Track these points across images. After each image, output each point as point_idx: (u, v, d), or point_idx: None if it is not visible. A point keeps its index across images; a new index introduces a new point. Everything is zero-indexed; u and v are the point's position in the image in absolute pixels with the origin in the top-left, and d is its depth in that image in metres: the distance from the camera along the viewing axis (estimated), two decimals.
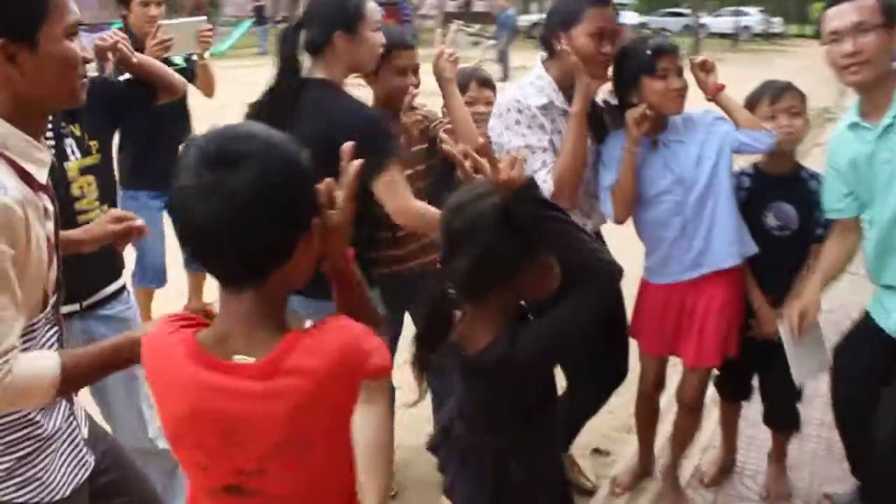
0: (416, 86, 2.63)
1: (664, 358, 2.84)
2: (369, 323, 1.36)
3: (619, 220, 2.66)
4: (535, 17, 32.34)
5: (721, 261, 2.57)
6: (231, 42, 23.07)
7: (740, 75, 18.47)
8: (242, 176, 1.12)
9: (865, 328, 2.47)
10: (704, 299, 2.60)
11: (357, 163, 1.33)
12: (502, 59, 17.41)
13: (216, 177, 1.12)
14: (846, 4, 2.26)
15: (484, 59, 18.90)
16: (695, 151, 2.58)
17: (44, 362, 1.42)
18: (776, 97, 2.66)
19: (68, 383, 1.43)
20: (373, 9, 2.26)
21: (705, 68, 2.58)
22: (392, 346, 2.57)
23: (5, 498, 1.54)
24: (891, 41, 2.23)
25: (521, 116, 2.55)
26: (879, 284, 2.41)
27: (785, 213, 2.63)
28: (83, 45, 1.54)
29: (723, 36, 34.75)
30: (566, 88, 2.57)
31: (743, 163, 2.78)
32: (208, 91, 3.95)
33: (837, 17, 2.27)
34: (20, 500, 1.55)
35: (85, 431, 1.73)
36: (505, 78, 17.64)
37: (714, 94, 2.58)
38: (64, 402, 1.64)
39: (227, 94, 4.61)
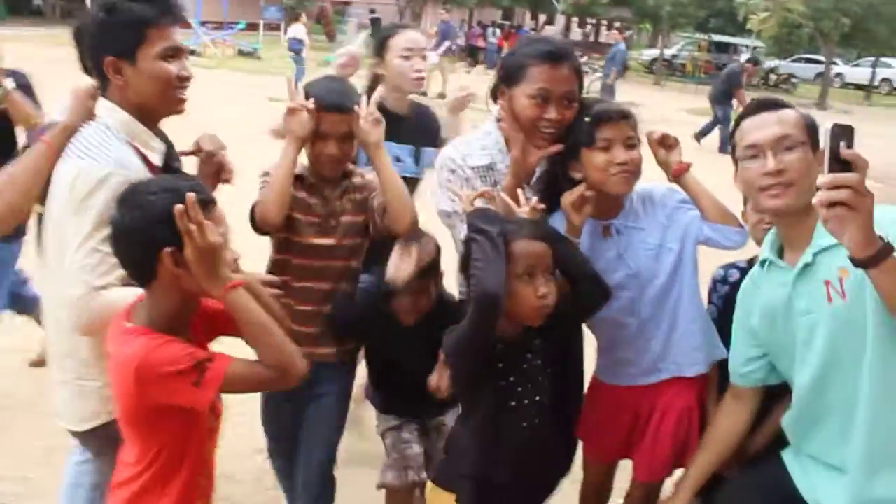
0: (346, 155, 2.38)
1: (612, 465, 2.54)
2: (267, 343, 1.66)
3: None
4: (654, 51, 31.73)
5: (683, 367, 2.26)
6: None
7: (869, 130, 17.54)
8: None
9: (776, 484, 2.02)
10: (662, 405, 2.29)
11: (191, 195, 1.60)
12: (608, 92, 17.07)
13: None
14: (768, 115, 1.94)
15: (588, 90, 18.64)
16: (654, 241, 2.24)
17: (127, 292, 1.78)
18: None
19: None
20: None
21: (665, 144, 2.22)
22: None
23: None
24: (815, 163, 1.87)
25: (454, 177, 2.32)
26: (801, 452, 2.03)
27: None
28: (184, 66, 1.96)
29: (858, 87, 33.03)
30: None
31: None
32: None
33: (757, 129, 1.92)
34: None
35: None
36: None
37: (676, 175, 2.22)
38: None
39: None
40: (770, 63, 34.29)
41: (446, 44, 19.18)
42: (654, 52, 33.32)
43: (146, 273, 1.63)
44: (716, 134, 14.89)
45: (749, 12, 25.19)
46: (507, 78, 2.24)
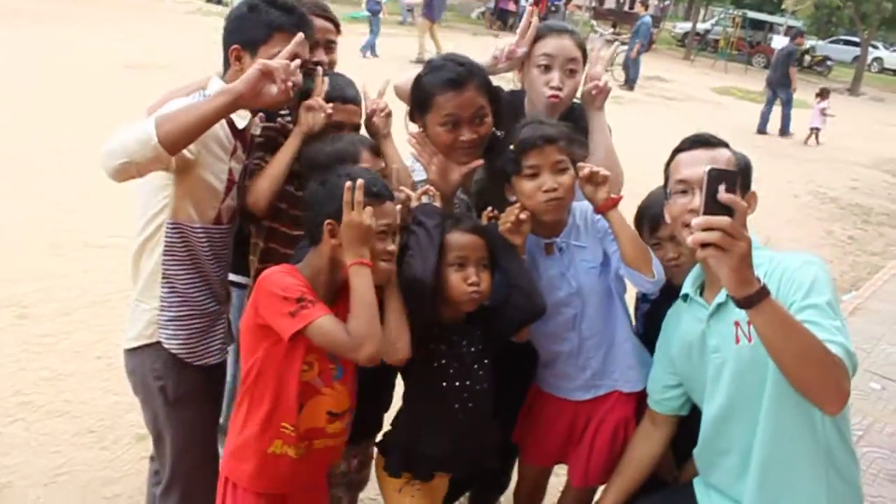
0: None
1: (548, 468, 2.60)
2: (361, 330, 1.85)
3: None
4: (688, 25, 31.00)
5: (620, 384, 2.31)
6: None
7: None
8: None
9: None
10: (599, 416, 2.33)
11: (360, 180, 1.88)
12: (629, 66, 16.83)
13: None
14: (702, 152, 1.95)
15: (613, 62, 18.37)
16: (595, 259, 2.25)
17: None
18: (655, 223, 2.31)
19: (164, 121, 1.91)
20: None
21: (593, 181, 2.13)
22: None
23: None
24: (746, 207, 1.84)
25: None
26: (708, 482, 2.08)
27: None
28: (298, 73, 2.08)
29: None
30: None
31: None
32: None
33: (689, 166, 1.94)
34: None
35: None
36: (629, 87, 17.13)
37: (603, 210, 2.14)
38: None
39: None
40: (807, 43, 33.52)
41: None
42: (688, 26, 32.62)
43: (314, 235, 1.96)
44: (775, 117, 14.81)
45: None
46: (418, 106, 2.27)
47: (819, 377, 1.57)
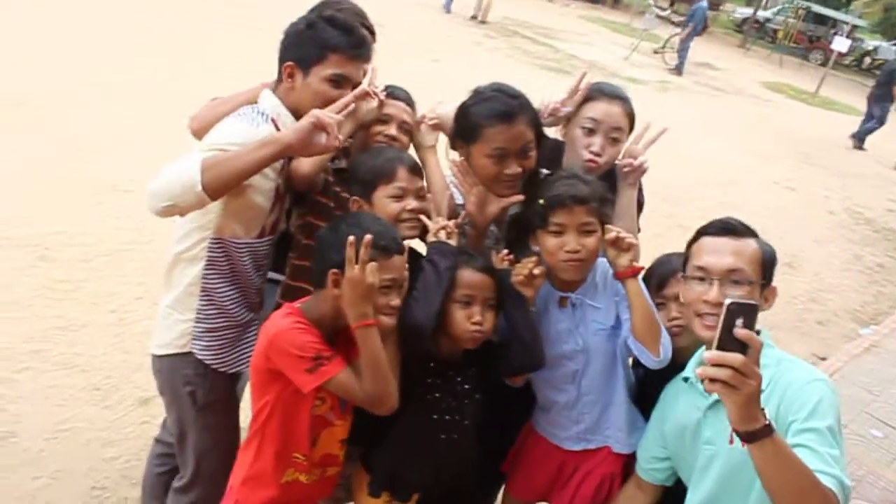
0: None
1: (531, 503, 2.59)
2: (370, 387, 1.91)
3: None
4: (748, 11, 30.04)
5: (610, 441, 2.30)
6: None
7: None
8: None
9: None
10: (586, 467, 2.33)
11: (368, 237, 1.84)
12: (681, 49, 16.44)
13: None
14: (728, 241, 1.91)
15: (666, 46, 18.05)
16: (607, 322, 2.21)
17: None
18: (662, 283, 2.29)
19: (210, 167, 1.90)
20: None
21: (618, 246, 2.09)
22: None
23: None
24: (760, 301, 1.89)
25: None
26: None
27: None
28: (344, 94, 2.15)
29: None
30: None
31: None
32: None
33: (712, 254, 1.91)
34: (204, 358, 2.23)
35: None
36: (678, 72, 16.78)
37: (619, 278, 2.11)
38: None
39: None
40: (869, 44, 32.46)
41: None
42: (748, 11, 31.67)
43: (319, 280, 1.96)
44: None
45: None
46: (463, 135, 2.23)
47: None
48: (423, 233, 2.25)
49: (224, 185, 1.93)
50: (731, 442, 1.81)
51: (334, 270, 1.88)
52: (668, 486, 2.17)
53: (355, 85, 2.20)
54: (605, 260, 2.21)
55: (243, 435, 2.21)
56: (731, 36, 30.41)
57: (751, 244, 1.92)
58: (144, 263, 4.49)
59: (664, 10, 24.01)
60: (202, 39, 9.50)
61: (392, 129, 2.38)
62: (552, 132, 2.51)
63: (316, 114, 1.96)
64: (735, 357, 1.40)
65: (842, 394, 5.30)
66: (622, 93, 2.48)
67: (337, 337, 2.01)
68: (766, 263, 1.91)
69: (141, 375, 3.54)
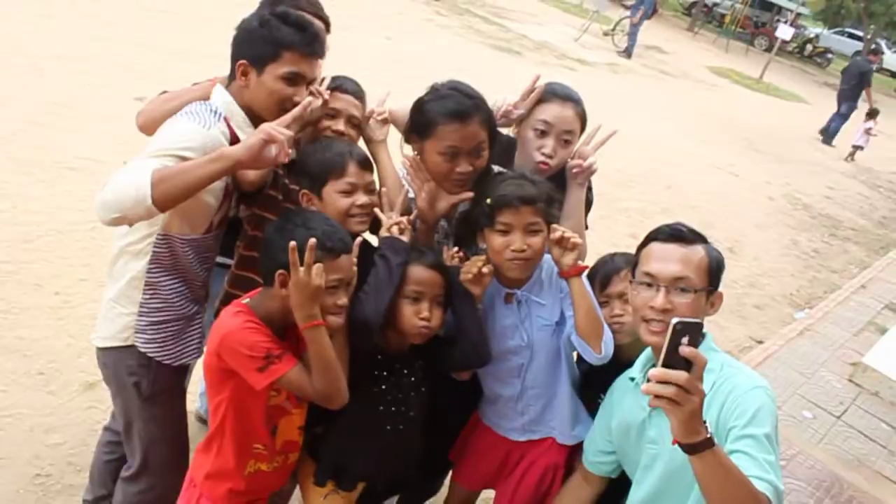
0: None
1: (475, 493, 2.66)
2: (320, 385, 1.94)
3: None
4: None
5: (555, 433, 2.37)
6: None
7: (890, 128, 17.16)
8: None
9: None
10: (530, 457, 2.40)
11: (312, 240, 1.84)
12: (631, 34, 16.68)
13: None
14: (675, 247, 1.94)
15: (616, 29, 18.17)
16: (552, 318, 2.26)
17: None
18: (606, 281, 2.34)
19: (160, 181, 1.87)
20: None
21: (562, 245, 2.14)
22: None
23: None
24: (706, 307, 1.95)
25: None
26: None
27: None
28: (300, 92, 2.15)
29: (894, 75, 32.19)
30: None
31: None
32: None
33: (659, 260, 1.94)
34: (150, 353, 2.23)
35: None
36: (627, 55, 16.96)
37: (567, 276, 2.16)
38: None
39: None
40: (811, 31, 33.25)
41: None
42: None
43: (266, 279, 1.97)
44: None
45: None
46: (418, 130, 2.26)
47: None
48: (373, 226, 2.26)
49: (173, 200, 1.92)
50: (675, 442, 1.87)
51: (281, 271, 1.88)
52: (612, 477, 2.25)
53: (310, 82, 2.19)
54: (549, 258, 2.25)
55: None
56: (680, 19, 30.80)
57: (698, 251, 1.95)
58: (89, 245, 4.40)
59: None
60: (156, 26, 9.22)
61: (340, 125, 2.37)
62: (505, 130, 2.55)
63: (266, 129, 1.93)
64: (679, 375, 1.44)
65: (776, 376, 5.55)
66: (575, 95, 2.52)
67: (287, 331, 2.02)
68: (713, 270, 1.95)
69: (86, 360, 3.48)
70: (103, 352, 2.27)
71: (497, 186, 2.17)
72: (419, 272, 2.12)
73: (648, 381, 1.47)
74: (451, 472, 2.71)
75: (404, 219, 2.21)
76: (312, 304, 1.87)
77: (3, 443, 3.04)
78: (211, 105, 2.15)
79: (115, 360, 2.25)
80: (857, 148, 14.70)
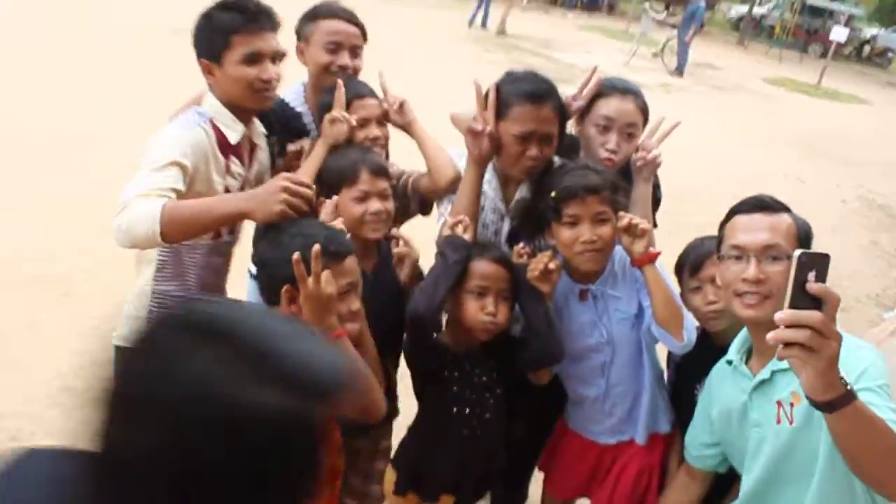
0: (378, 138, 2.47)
1: (570, 501, 2.62)
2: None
3: None
4: (743, 8, 30.10)
5: (645, 431, 2.30)
6: None
7: None
8: None
9: None
10: (622, 461, 2.33)
11: (317, 247, 1.71)
12: (682, 51, 16.53)
13: None
14: (761, 218, 1.85)
15: (665, 49, 18.06)
16: (630, 310, 2.21)
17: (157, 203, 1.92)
18: (697, 266, 2.27)
19: (169, 221, 1.89)
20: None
21: (631, 233, 2.10)
22: None
23: None
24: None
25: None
26: None
27: None
28: (265, 68, 2.17)
29: None
30: (503, 177, 2.36)
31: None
32: None
33: (747, 231, 1.85)
34: None
35: None
36: (679, 73, 16.81)
37: (639, 264, 2.12)
38: None
39: None
40: (867, 32, 32.37)
41: None
42: (743, 9, 31.69)
43: (271, 299, 1.84)
44: None
45: None
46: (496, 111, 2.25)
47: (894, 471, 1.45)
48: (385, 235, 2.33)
49: (182, 236, 1.99)
50: (779, 421, 1.78)
51: (287, 287, 1.78)
52: (720, 472, 2.14)
53: (274, 54, 2.20)
54: (621, 249, 2.22)
55: None
56: (729, 34, 30.41)
57: (785, 219, 1.87)
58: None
59: (660, 12, 24.09)
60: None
61: (374, 130, 2.45)
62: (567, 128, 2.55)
63: (285, 183, 1.89)
64: (812, 315, 1.26)
65: None
66: (634, 87, 2.51)
67: None
68: (803, 237, 1.86)
69: None
70: (117, 350, 2.28)
71: (560, 179, 2.15)
72: (483, 266, 2.11)
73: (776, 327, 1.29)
74: (542, 485, 2.65)
75: (466, 217, 2.19)
76: (329, 315, 1.77)
77: None
78: (199, 109, 2.22)
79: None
80: None
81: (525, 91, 2.20)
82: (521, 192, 2.36)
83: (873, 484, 1.54)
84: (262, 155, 2.47)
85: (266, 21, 2.19)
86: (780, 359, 1.34)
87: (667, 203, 2.72)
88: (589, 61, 16.87)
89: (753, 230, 1.85)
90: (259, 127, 2.45)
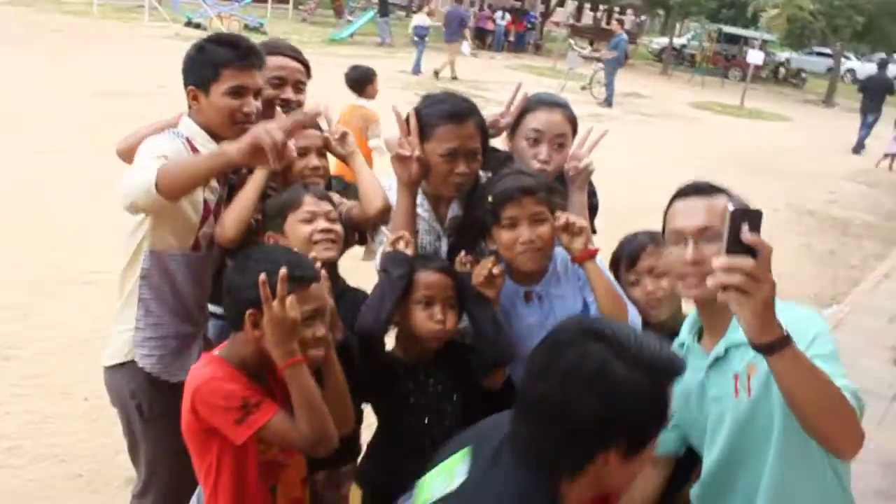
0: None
1: None
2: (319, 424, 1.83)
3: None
4: (664, 40, 31.34)
5: None
6: (352, 29, 23.69)
7: (876, 131, 17.67)
8: None
9: None
10: None
11: (283, 271, 1.74)
12: (608, 82, 17.08)
13: None
14: (696, 201, 1.86)
15: (593, 82, 18.59)
16: (577, 306, 2.25)
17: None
18: (633, 259, 2.34)
19: (165, 174, 2.05)
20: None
21: (569, 231, 2.14)
22: None
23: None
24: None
25: None
26: None
27: None
28: (248, 102, 2.31)
29: (860, 89, 32.62)
30: (433, 198, 2.38)
31: None
32: None
33: (684, 215, 1.87)
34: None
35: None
36: (608, 104, 17.32)
37: (580, 261, 2.17)
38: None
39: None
40: (781, 56, 33.93)
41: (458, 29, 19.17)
42: (664, 41, 32.98)
43: (235, 323, 1.86)
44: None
45: (759, 8, 24.92)
46: (420, 132, 2.28)
47: (840, 425, 1.52)
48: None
49: (177, 190, 2.09)
50: (737, 394, 1.81)
51: (251, 311, 1.78)
52: (679, 456, 2.14)
53: (256, 91, 2.35)
54: (561, 250, 2.25)
55: None
56: (652, 65, 31.56)
57: (720, 201, 1.86)
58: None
59: (584, 48, 24.87)
60: None
61: (314, 160, 2.51)
62: (500, 145, 2.61)
63: (257, 133, 2.00)
64: (745, 261, 1.35)
65: None
66: (560, 100, 2.60)
67: (270, 376, 1.93)
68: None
69: (123, 457, 3.39)
70: (108, 371, 2.39)
71: (496, 184, 2.19)
72: (427, 276, 2.14)
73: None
74: None
75: (406, 233, 2.22)
76: (290, 341, 1.77)
77: None
78: (174, 130, 2.35)
79: (119, 380, 2.37)
80: (891, 156, 15.05)
81: (446, 111, 2.25)
82: (454, 211, 2.40)
83: (820, 438, 1.58)
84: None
85: (255, 60, 2.34)
86: (719, 301, 1.41)
87: (604, 226, 2.79)
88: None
89: (690, 214, 1.86)
90: None
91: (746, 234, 1.36)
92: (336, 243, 2.28)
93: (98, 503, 3.23)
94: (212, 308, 2.62)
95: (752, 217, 1.38)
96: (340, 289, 2.36)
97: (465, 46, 19.84)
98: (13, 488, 3.27)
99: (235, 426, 1.76)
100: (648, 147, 13.28)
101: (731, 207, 1.39)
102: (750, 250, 1.36)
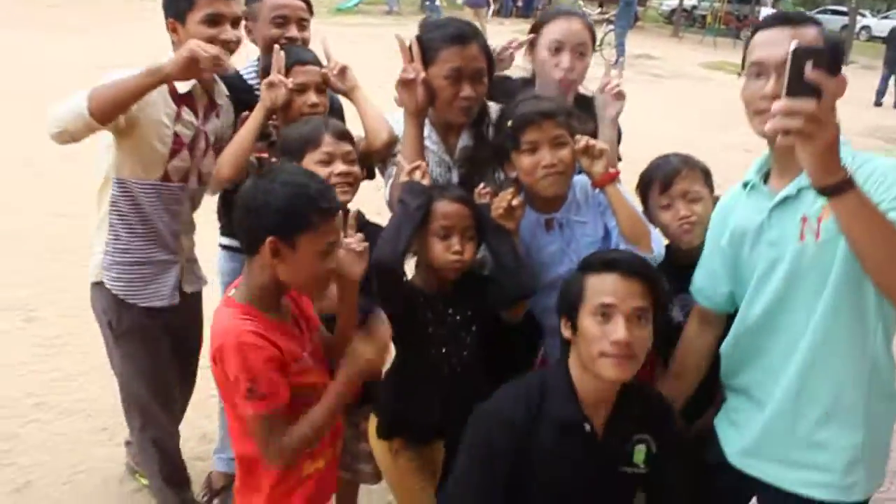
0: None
1: None
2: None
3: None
4: (674, 1, 30.82)
5: None
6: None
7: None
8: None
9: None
10: None
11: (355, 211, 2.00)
12: (618, 43, 16.88)
13: None
14: (781, 31, 1.69)
15: (603, 44, 18.41)
16: (598, 233, 2.24)
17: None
18: (667, 182, 2.30)
19: (96, 96, 2.07)
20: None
21: (590, 154, 2.12)
22: None
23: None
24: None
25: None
26: (728, 384, 2.02)
27: (692, 305, 2.18)
28: (225, 30, 2.30)
29: (885, 41, 32.05)
30: (442, 129, 2.36)
31: None
32: None
33: (766, 46, 1.70)
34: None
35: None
36: (619, 65, 17.10)
37: (601, 184, 2.14)
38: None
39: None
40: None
41: None
42: (674, 2, 32.46)
43: (251, 247, 1.76)
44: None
45: None
46: (422, 59, 2.28)
47: None
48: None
49: (109, 110, 2.09)
50: (802, 238, 1.71)
51: (272, 238, 1.70)
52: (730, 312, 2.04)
53: (234, 19, 2.34)
54: (580, 177, 2.25)
55: None
56: (663, 27, 31.08)
57: (810, 31, 1.69)
58: None
59: (594, 10, 24.54)
60: None
61: (312, 96, 2.46)
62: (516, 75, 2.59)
63: (190, 46, 2.09)
64: (807, 103, 1.28)
65: None
66: (577, 9, 2.57)
67: (281, 306, 1.90)
68: (832, 49, 1.66)
69: None
70: (91, 289, 2.50)
71: (514, 109, 2.18)
72: (445, 206, 2.13)
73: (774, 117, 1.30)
74: None
75: (422, 163, 2.21)
76: (323, 289, 1.91)
77: (81, 498, 3.05)
78: (156, 62, 2.30)
79: (95, 298, 2.49)
80: None
81: (449, 34, 2.25)
82: (464, 141, 2.39)
83: (885, 289, 1.54)
84: (224, 114, 2.56)
85: None
86: (779, 144, 1.39)
87: (623, 180, 2.76)
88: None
89: (773, 44, 1.69)
90: (222, 88, 2.58)
91: (810, 73, 1.30)
92: (353, 185, 2.26)
93: (121, 454, 3.27)
94: (222, 240, 2.71)
95: (817, 55, 1.31)
96: (360, 223, 2.35)
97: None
98: (42, 440, 3.34)
99: (241, 400, 1.72)
100: (659, 106, 13.15)
101: (793, 45, 1.32)
102: (814, 91, 1.30)
